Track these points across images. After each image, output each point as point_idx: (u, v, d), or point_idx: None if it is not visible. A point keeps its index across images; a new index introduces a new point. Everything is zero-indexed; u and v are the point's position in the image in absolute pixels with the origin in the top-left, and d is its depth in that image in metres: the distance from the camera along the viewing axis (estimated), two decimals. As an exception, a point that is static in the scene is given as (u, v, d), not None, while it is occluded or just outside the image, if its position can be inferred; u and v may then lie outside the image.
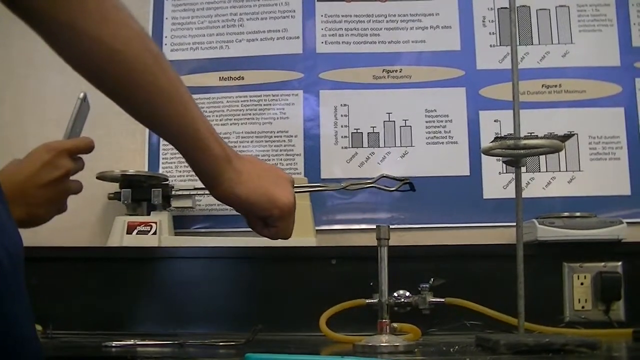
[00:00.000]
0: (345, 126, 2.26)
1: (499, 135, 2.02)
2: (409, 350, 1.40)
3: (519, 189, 1.43)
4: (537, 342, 1.33)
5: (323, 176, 2.23)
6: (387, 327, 1.49)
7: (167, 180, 2.16)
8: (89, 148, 1.22)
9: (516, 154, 1.41)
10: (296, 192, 1.17)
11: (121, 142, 2.29)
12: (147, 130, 2.22)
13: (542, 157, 2.18)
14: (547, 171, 2.20)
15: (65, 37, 0.84)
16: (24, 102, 2.32)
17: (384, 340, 1.44)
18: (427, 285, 1.85)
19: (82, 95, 1.25)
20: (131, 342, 1.61)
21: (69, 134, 1.23)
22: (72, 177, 1.23)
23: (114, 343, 1.59)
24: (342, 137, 2.26)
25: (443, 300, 1.83)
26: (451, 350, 1.40)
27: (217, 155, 1.03)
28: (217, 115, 2.30)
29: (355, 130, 2.26)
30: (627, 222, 1.95)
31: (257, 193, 1.09)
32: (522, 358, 1.22)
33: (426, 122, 2.25)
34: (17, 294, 0.83)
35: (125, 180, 2.09)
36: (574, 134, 2.18)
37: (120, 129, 2.21)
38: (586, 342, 1.32)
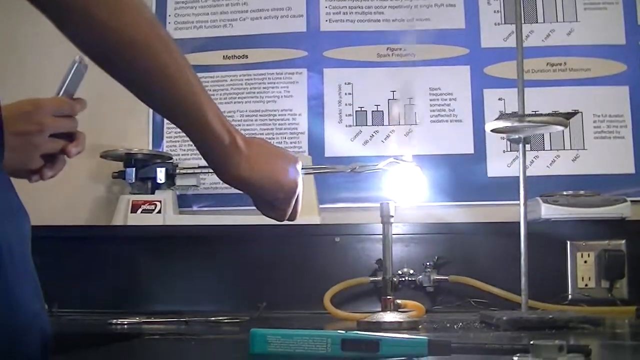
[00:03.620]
0: (349, 104, 2.26)
1: (504, 113, 2.02)
2: (412, 327, 1.41)
3: (523, 167, 1.43)
4: (540, 318, 1.34)
5: (327, 154, 2.23)
6: (392, 304, 1.49)
7: (172, 158, 2.16)
8: (73, 109, 1.20)
9: (521, 128, 1.40)
10: (303, 173, 1.17)
11: (125, 121, 2.29)
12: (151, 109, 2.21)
13: (547, 136, 2.18)
14: (551, 149, 2.19)
15: (78, 24, 0.84)
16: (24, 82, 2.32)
17: (388, 317, 1.45)
18: (431, 263, 1.86)
19: (77, 57, 1.24)
20: (136, 319, 1.62)
21: (60, 94, 1.22)
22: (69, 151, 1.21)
23: (119, 320, 1.60)
24: (346, 115, 2.26)
25: (447, 278, 1.84)
26: (455, 327, 1.41)
27: (224, 139, 1.03)
28: (221, 94, 2.30)
29: (359, 109, 2.25)
30: (631, 201, 1.95)
31: (264, 176, 1.09)
32: (526, 334, 1.22)
33: (430, 100, 2.24)
34: (25, 272, 0.84)
35: (130, 159, 2.09)
36: (578, 112, 2.18)
37: (124, 108, 2.20)
38: (589, 319, 1.33)
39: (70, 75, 1.22)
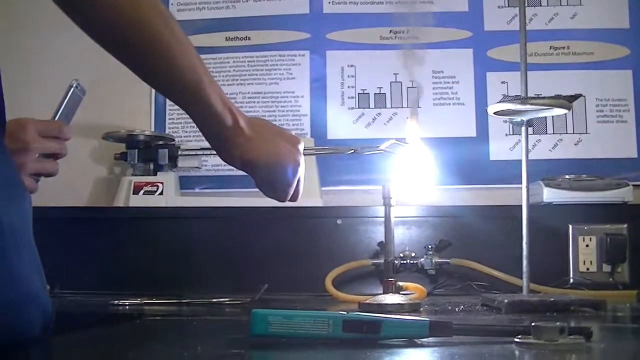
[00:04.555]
0: (352, 87, 2.25)
1: (507, 96, 2.01)
2: (414, 309, 1.41)
3: (525, 150, 1.43)
4: (541, 301, 1.34)
5: (329, 137, 2.23)
6: (393, 286, 1.49)
7: (174, 140, 2.16)
8: (61, 132, 1.19)
9: (523, 111, 1.40)
10: (305, 154, 1.17)
11: (127, 103, 2.28)
12: (153, 90, 2.21)
13: (549, 119, 2.18)
14: (554, 133, 2.19)
15: (82, 4, 0.84)
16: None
17: (389, 299, 1.45)
18: (433, 246, 1.86)
19: (74, 82, 1.24)
20: (137, 300, 1.63)
21: (57, 118, 1.21)
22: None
23: (121, 301, 1.61)
24: (348, 97, 2.25)
25: (448, 261, 1.84)
26: (456, 309, 1.41)
27: (227, 120, 1.03)
28: (223, 76, 2.29)
29: (361, 91, 2.25)
30: (633, 185, 1.96)
31: (266, 157, 1.09)
32: (527, 317, 1.22)
33: (433, 83, 2.24)
34: (25, 247, 0.84)
35: (132, 141, 2.09)
36: (581, 95, 2.17)
37: (126, 89, 2.20)
38: (590, 302, 1.33)
39: (67, 99, 1.22)
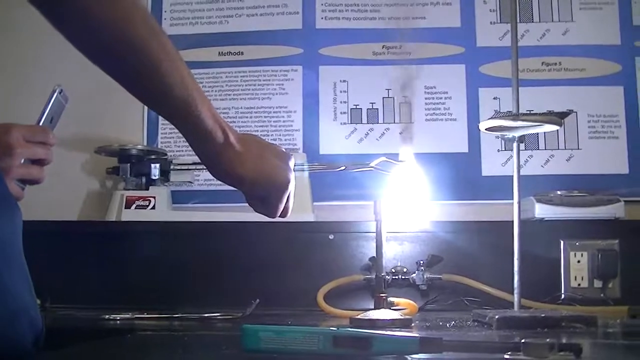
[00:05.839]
0: (345, 102, 2.26)
1: (498, 112, 2.02)
2: (405, 325, 1.41)
3: (517, 166, 1.43)
4: (532, 317, 1.34)
5: (322, 152, 2.23)
6: (385, 301, 1.49)
7: (166, 155, 2.16)
8: (47, 137, 1.18)
9: (515, 127, 1.41)
10: (295, 170, 1.17)
11: (119, 117, 2.28)
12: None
13: (541, 135, 2.18)
14: (545, 149, 2.20)
15: (71, 17, 0.84)
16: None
17: (380, 314, 1.45)
18: (425, 261, 1.86)
19: (57, 87, 1.23)
20: (129, 315, 1.62)
21: (41, 123, 1.21)
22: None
23: (112, 316, 1.60)
24: (341, 113, 2.26)
25: (440, 276, 1.84)
26: (447, 325, 1.41)
27: (217, 135, 1.03)
28: (216, 91, 2.29)
29: (354, 106, 2.25)
30: (625, 201, 1.96)
31: (256, 173, 1.09)
32: (518, 333, 1.22)
33: (425, 98, 2.24)
34: (14, 260, 0.83)
35: (124, 155, 2.09)
36: (572, 112, 2.18)
37: (118, 103, 2.20)
38: (582, 318, 1.33)
39: (50, 104, 1.22)
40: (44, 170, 1.19)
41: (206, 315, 1.63)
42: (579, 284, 1.89)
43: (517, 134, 1.43)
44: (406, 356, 0.88)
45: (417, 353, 0.88)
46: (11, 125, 1.14)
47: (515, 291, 1.42)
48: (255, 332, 0.87)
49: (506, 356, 0.84)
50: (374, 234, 1.55)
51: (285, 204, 1.16)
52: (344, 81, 2.27)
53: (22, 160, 1.14)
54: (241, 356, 0.89)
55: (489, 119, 1.42)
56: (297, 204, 1.20)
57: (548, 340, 0.82)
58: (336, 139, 2.25)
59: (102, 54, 0.90)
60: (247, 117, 2.28)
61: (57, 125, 1.24)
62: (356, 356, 0.87)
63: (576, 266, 1.90)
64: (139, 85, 0.95)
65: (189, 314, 1.64)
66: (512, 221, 1.43)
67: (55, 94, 1.22)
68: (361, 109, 2.25)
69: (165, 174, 2.09)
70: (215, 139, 1.03)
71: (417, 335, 0.89)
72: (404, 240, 1.95)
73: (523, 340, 0.83)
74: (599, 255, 1.88)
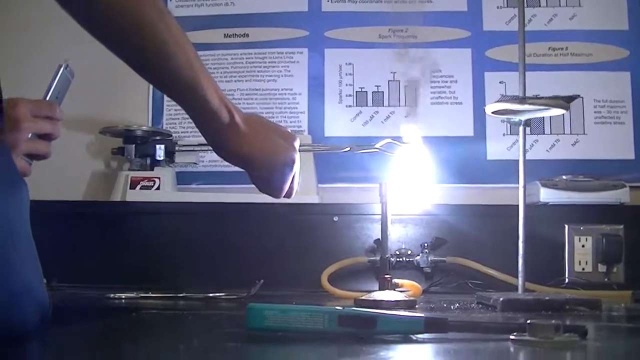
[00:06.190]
0: (350, 85, 2.25)
1: (504, 95, 2.01)
2: (409, 306, 1.41)
3: (523, 150, 1.43)
4: (536, 300, 1.34)
5: (327, 134, 2.23)
6: (389, 283, 1.49)
7: (171, 136, 2.16)
8: (53, 111, 1.18)
9: (521, 110, 1.40)
10: (300, 151, 1.17)
11: (125, 98, 2.28)
12: (150, 85, 2.21)
13: (547, 120, 2.18)
14: (551, 134, 2.19)
15: (81, 1, 0.84)
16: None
17: (385, 295, 1.45)
18: (429, 244, 1.86)
19: (63, 62, 1.23)
20: (134, 294, 1.63)
21: (47, 98, 1.21)
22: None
23: (117, 295, 1.61)
24: (346, 95, 2.25)
25: (444, 259, 1.84)
26: (452, 307, 1.41)
27: (223, 116, 1.03)
28: (221, 72, 2.29)
29: (359, 89, 2.25)
30: (630, 186, 1.96)
31: (261, 153, 1.09)
32: (522, 315, 1.23)
33: (431, 82, 2.24)
34: (20, 242, 0.84)
35: (129, 136, 2.09)
36: (578, 96, 2.18)
37: (124, 84, 2.20)
38: (586, 301, 1.33)
39: (57, 79, 1.22)
40: (50, 145, 1.19)
41: (211, 295, 1.64)
42: (583, 269, 1.89)
43: (523, 117, 1.43)
44: (411, 336, 0.88)
45: (422, 333, 0.88)
46: (18, 100, 1.14)
47: (520, 274, 1.43)
48: (261, 310, 0.87)
49: (512, 337, 0.84)
50: (378, 217, 1.55)
51: (290, 184, 1.17)
52: (350, 64, 2.26)
53: (29, 135, 1.14)
54: (246, 334, 0.89)
55: (495, 102, 1.42)
56: (302, 186, 1.20)
57: (553, 321, 0.82)
58: (341, 121, 2.24)
59: (110, 34, 0.90)
60: (252, 99, 2.28)
61: (62, 102, 1.25)
62: (361, 335, 0.87)
63: (580, 251, 1.90)
64: (146, 66, 0.95)
65: (193, 293, 1.64)
66: (517, 205, 1.43)
67: (62, 69, 1.23)
68: (366, 92, 2.25)
69: (170, 155, 2.09)
70: (221, 119, 1.03)
71: (422, 315, 0.89)
72: (408, 222, 1.95)
73: (529, 321, 0.83)
74: (604, 240, 1.88)
